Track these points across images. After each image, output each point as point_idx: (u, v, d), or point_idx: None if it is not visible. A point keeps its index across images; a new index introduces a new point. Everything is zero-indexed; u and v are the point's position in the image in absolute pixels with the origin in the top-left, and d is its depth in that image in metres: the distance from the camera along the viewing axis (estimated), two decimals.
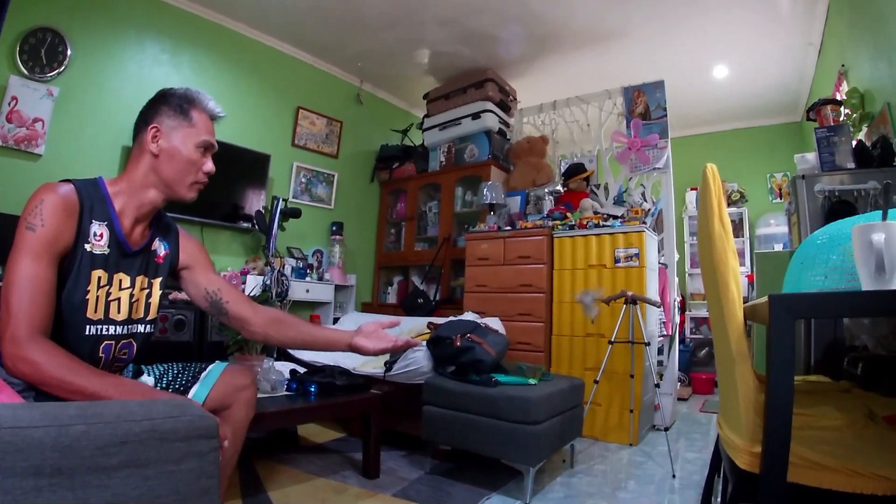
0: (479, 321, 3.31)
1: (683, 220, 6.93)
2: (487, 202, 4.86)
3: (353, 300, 5.89)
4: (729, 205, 6.47)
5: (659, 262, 4.37)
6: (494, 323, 3.62)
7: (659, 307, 3.92)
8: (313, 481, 2.76)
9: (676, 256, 4.74)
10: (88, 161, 4.04)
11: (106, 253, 1.48)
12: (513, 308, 4.25)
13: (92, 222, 1.45)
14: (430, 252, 5.75)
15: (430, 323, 3.52)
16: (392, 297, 6.12)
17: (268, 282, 4.26)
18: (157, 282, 1.67)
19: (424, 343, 3.16)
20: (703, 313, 6.69)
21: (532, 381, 2.86)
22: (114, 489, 0.73)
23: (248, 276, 4.39)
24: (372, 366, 3.43)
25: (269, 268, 4.46)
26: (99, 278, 1.47)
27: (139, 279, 1.60)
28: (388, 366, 3.27)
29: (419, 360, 3.14)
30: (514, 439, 2.63)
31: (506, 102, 5.76)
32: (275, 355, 3.51)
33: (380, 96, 6.72)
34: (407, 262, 6.09)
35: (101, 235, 1.46)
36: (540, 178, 5.17)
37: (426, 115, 6.12)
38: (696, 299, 6.86)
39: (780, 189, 6.66)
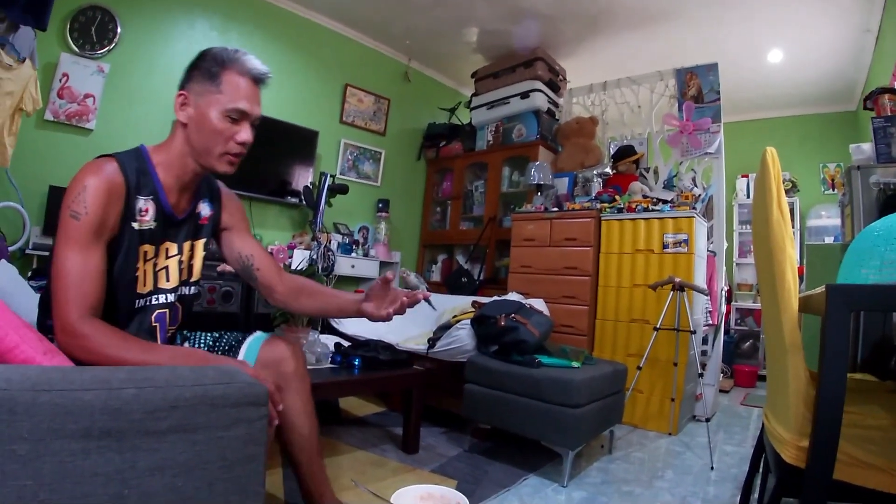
0: (523, 302, 3.30)
1: (733, 207, 6.76)
2: (534, 183, 4.81)
3: (397, 277, 5.89)
4: None
5: (707, 250, 4.28)
6: (539, 304, 3.60)
7: (706, 295, 3.84)
8: (353, 453, 2.79)
9: (725, 245, 4.63)
10: (138, 136, 4.03)
11: (152, 227, 1.45)
12: (557, 290, 4.22)
13: (137, 199, 1.40)
14: (475, 231, 5.73)
15: (474, 302, 3.51)
16: (436, 276, 6.14)
17: (314, 256, 4.31)
18: (201, 243, 1.66)
19: (469, 321, 3.16)
20: (750, 304, 6.57)
21: (575, 364, 2.83)
22: (162, 453, 0.75)
23: (295, 251, 4.45)
24: (415, 342, 3.45)
25: (315, 242, 4.51)
26: (145, 252, 1.46)
27: (185, 245, 1.59)
28: (432, 343, 3.28)
29: (462, 338, 3.15)
30: (554, 421, 2.62)
31: (555, 82, 5.67)
32: (319, 328, 3.55)
33: (427, 74, 6.69)
34: (452, 241, 6.10)
35: (147, 210, 1.43)
36: (588, 160, 5.08)
37: (474, 94, 6.06)
38: (742, 290, 6.70)
39: (832, 180, 6.43)
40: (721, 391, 4.97)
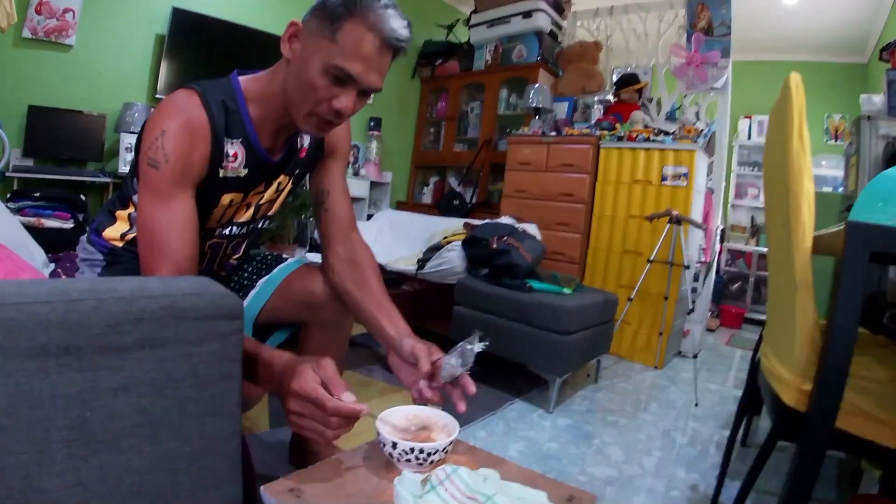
0: (516, 226, 3.22)
1: (734, 148, 6.63)
2: (533, 105, 4.65)
3: (388, 198, 5.84)
4: None
5: (706, 187, 4.20)
6: (532, 229, 3.52)
7: (703, 230, 3.78)
8: None
9: (724, 183, 4.54)
10: (121, 51, 3.92)
11: (241, 175, 1.26)
12: (551, 217, 4.14)
13: (225, 141, 1.20)
14: (469, 154, 5.59)
15: (466, 223, 3.43)
16: (427, 198, 6.04)
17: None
18: (293, 177, 1.43)
19: (460, 243, 3.08)
20: (742, 246, 6.56)
21: (566, 291, 2.79)
22: (127, 371, 0.67)
23: None
24: (404, 262, 3.38)
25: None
26: (231, 200, 1.29)
27: (275, 183, 1.38)
28: (421, 263, 3.21)
29: (452, 259, 3.08)
30: (543, 347, 2.60)
31: (559, 3, 5.39)
32: (308, 247, 3.47)
33: None
34: (445, 163, 5.97)
35: (236, 156, 1.23)
36: (590, 86, 4.91)
37: (473, 11, 5.79)
38: (736, 231, 6.68)
39: (836, 131, 6.29)
40: (707, 330, 4.98)
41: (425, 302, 3.10)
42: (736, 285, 6.47)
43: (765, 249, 6.23)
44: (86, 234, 1.44)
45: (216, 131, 1.17)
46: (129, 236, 1.36)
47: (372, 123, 5.67)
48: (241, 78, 1.24)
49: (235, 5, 4.47)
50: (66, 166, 3.59)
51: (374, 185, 5.59)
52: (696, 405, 2.98)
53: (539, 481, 0.94)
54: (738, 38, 4.32)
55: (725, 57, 4.21)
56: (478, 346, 1.07)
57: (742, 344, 4.90)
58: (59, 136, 3.57)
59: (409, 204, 6.01)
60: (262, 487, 0.84)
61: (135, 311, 0.68)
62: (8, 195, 3.11)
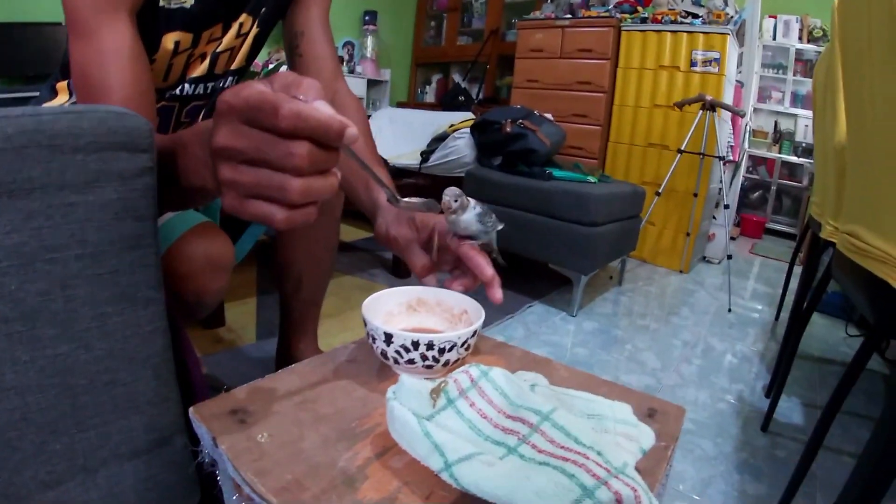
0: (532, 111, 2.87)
1: (757, 49, 6.18)
2: None
3: (387, 97, 5.49)
4: (809, 41, 5.77)
5: (736, 80, 3.81)
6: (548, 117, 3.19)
7: (742, 115, 3.42)
8: (339, 279, 2.53)
9: (756, 72, 4.15)
10: None
11: (186, 6, 0.95)
12: (567, 107, 3.78)
13: None
14: (474, 47, 5.20)
15: (475, 110, 3.09)
16: (430, 97, 5.70)
17: (283, 61, 3.80)
18: (259, 17, 1.12)
19: (468, 129, 2.76)
20: (763, 153, 6.18)
21: (592, 180, 2.47)
22: None
23: (272, 68, 3.94)
24: (407, 158, 3.06)
25: (283, 41, 3.97)
26: (177, 43, 0.98)
27: (235, 24, 1.07)
28: (425, 156, 2.89)
29: (460, 148, 2.77)
30: (567, 241, 2.32)
31: None
32: None
33: None
34: (448, 58, 5.57)
35: None
36: None
37: None
38: (757, 137, 6.28)
39: None
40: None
41: (431, 198, 2.79)
42: (756, 194, 6.16)
43: (789, 157, 5.94)
44: None
45: None
46: (69, 105, 1.01)
47: (367, 17, 5.24)
48: None
49: None
50: (35, 84, 3.22)
51: (371, 83, 5.23)
52: (730, 311, 2.74)
53: (604, 388, 0.64)
54: None
55: None
56: (499, 223, 0.76)
57: (766, 252, 4.65)
58: (25, 53, 3.27)
59: (410, 103, 5.66)
60: (190, 409, 0.54)
61: None
62: None
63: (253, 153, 0.43)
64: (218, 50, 1.07)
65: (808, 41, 5.78)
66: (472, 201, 0.72)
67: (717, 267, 3.59)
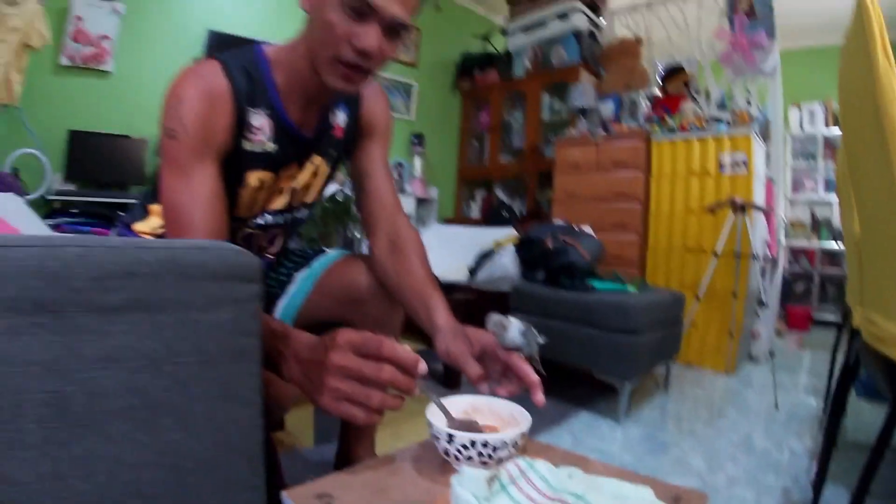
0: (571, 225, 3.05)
1: (786, 140, 6.32)
2: (578, 106, 4.50)
3: (434, 214, 5.73)
4: (835, 124, 5.89)
5: (765, 176, 3.97)
6: (587, 230, 3.36)
7: (769, 213, 3.54)
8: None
9: (784, 169, 4.30)
10: (159, 76, 3.92)
11: (269, 150, 1.14)
12: (605, 219, 3.94)
13: (248, 111, 1.09)
14: (514, 164, 5.47)
15: (518, 228, 3.28)
16: (475, 212, 5.91)
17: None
18: (330, 159, 1.31)
19: (512, 246, 2.94)
20: (803, 244, 6.19)
21: (631, 289, 2.60)
22: (116, 338, 0.53)
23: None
24: (454, 273, 3.23)
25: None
26: (261, 181, 1.17)
27: (309, 165, 1.26)
28: (472, 271, 3.07)
29: (505, 264, 2.93)
30: (610, 350, 2.40)
31: (595, 3, 5.28)
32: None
33: (458, 2, 6.30)
34: (490, 176, 5.83)
35: (261, 128, 1.11)
36: (635, 82, 4.73)
37: (509, 19, 5.70)
38: (796, 228, 6.33)
39: None
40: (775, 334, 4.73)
41: (478, 312, 2.93)
42: (800, 285, 6.13)
43: (829, 245, 5.92)
44: (115, 229, 1.34)
45: (238, 99, 1.06)
46: (161, 231, 1.25)
47: (415, 139, 5.61)
48: (264, 47, 1.15)
49: (270, 25, 4.51)
50: (108, 190, 3.59)
51: (419, 201, 5.50)
52: (777, 408, 2.74)
53: (635, 479, 0.75)
54: (781, 25, 4.11)
55: (771, 38, 4.00)
56: (540, 337, 0.93)
57: (813, 344, 4.59)
58: (100, 161, 3.59)
59: (456, 219, 5.88)
60: (283, 492, 0.68)
61: (125, 263, 0.54)
62: (46, 214, 3.11)
63: (355, 371, 0.71)
64: (295, 186, 1.26)
65: (835, 124, 5.87)
66: (514, 320, 0.90)
67: (763, 365, 3.58)
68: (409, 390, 0.73)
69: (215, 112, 1.03)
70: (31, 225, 1.71)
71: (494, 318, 0.90)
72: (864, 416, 2.59)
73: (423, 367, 0.71)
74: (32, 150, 3.27)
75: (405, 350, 0.71)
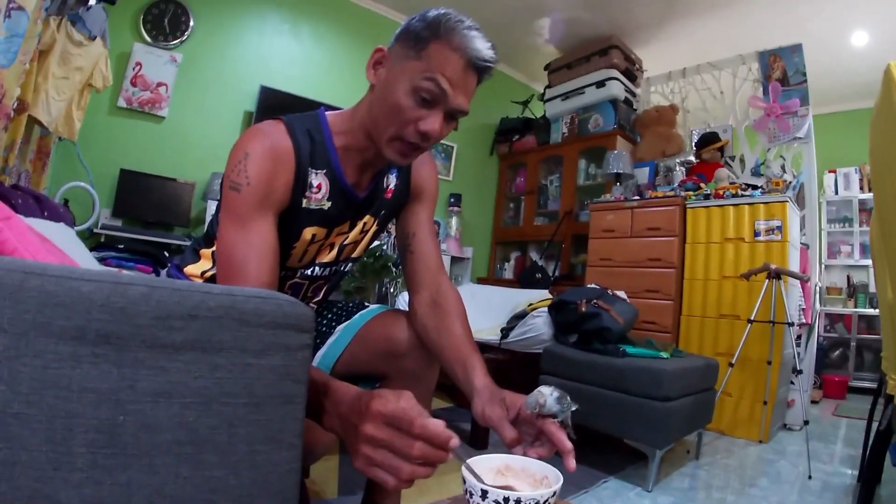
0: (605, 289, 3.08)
1: (821, 205, 6.27)
2: (613, 172, 4.57)
3: (468, 273, 5.80)
4: (870, 190, 5.82)
5: (800, 242, 3.96)
6: (621, 295, 3.38)
7: (806, 280, 3.52)
8: None
9: (819, 235, 4.29)
10: (211, 124, 4.20)
11: (325, 208, 1.21)
12: (639, 284, 3.94)
13: (309, 171, 1.17)
14: (549, 227, 5.52)
15: (552, 290, 3.31)
16: (509, 273, 5.95)
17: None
18: (379, 218, 1.38)
19: (546, 309, 2.96)
20: (840, 309, 6.09)
21: (664, 355, 2.60)
22: (171, 375, 0.58)
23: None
24: (487, 333, 3.26)
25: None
26: (314, 235, 1.24)
27: (360, 223, 1.33)
28: (505, 332, 3.09)
29: (538, 326, 2.94)
30: (641, 416, 2.38)
31: (631, 71, 5.41)
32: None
33: (499, 69, 6.46)
34: (525, 237, 5.90)
35: (320, 187, 1.19)
36: (670, 149, 4.81)
37: (547, 87, 5.86)
38: (832, 294, 6.21)
39: None
40: (810, 402, 4.61)
41: (509, 372, 2.95)
42: (837, 352, 5.97)
43: (866, 311, 5.80)
44: (166, 269, 1.42)
45: (300, 160, 1.14)
46: (209, 273, 1.32)
47: (452, 200, 5.73)
48: (327, 113, 1.24)
49: (318, 84, 4.78)
50: (153, 229, 3.74)
51: (455, 260, 5.58)
52: (810, 478, 2.66)
53: None
54: (813, 90, 4.18)
55: (805, 104, 4.06)
56: (573, 405, 0.94)
57: (850, 412, 4.45)
58: (147, 200, 3.76)
59: (489, 279, 5.96)
60: None
61: (189, 305, 0.59)
62: (92, 247, 3.25)
63: (387, 443, 0.73)
64: (345, 242, 1.33)
65: (870, 190, 5.75)
66: (550, 388, 0.92)
67: (798, 434, 3.48)
68: (441, 462, 0.75)
69: (278, 170, 1.10)
70: (81, 256, 1.79)
71: (539, 390, 0.94)
72: None
73: (455, 442, 0.72)
74: (84, 184, 3.44)
75: (437, 426, 0.72)
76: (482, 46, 1.07)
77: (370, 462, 0.74)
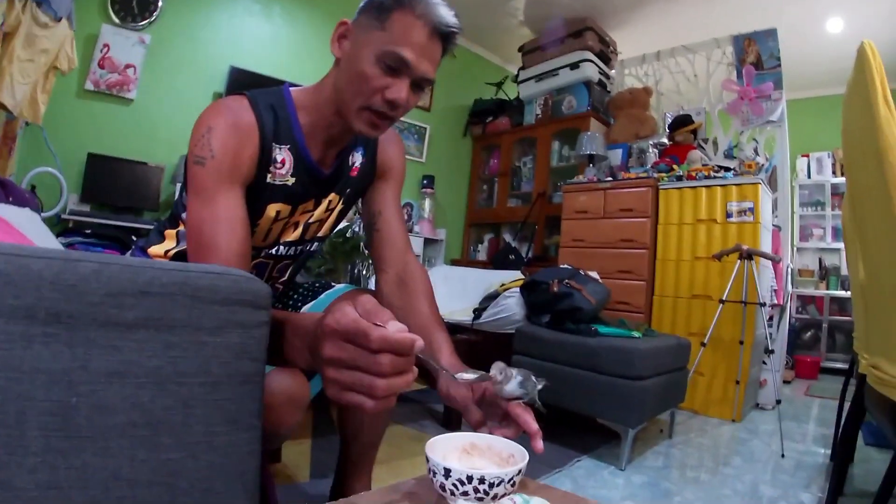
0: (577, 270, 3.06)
1: (794, 189, 6.33)
2: (586, 153, 4.57)
3: (442, 255, 5.77)
4: (843, 174, 5.88)
5: (773, 224, 3.99)
6: (593, 276, 3.37)
7: (778, 261, 3.54)
8: (391, 428, 2.60)
9: (791, 217, 4.32)
10: (180, 106, 4.09)
11: (289, 184, 1.20)
12: (612, 265, 3.96)
13: (273, 146, 1.15)
14: (523, 209, 5.51)
15: (524, 270, 3.29)
16: (482, 255, 5.95)
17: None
18: (344, 196, 1.36)
19: (518, 289, 2.94)
20: (812, 291, 6.20)
21: (636, 335, 2.60)
22: (124, 354, 0.55)
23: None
24: (459, 314, 3.24)
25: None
26: (278, 212, 1.23)
27: (325, 201, 1.31)
28: (477, 313, 3.07)
29: (511, 307, 2.93)
30: (614, 395, 2.39)
31: (606, 54, 5.38)
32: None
33: (473, 51, 6.45)
34: (499, 219, 5.90)
35: (283, 162, 1.17)
36: (643, 131, 4.80)
37: (521, 68, 5.82)
38: (804, 276, 6.32)
39: None
40: (782, 382, 4.67)
41: (482, 353, 2.93)
42: (808, 333, 6.10)
43: (837, 293, 5.91)
44: (130, 251, 1.38)
45: (264, 134, 1.13)
46: (173, 251, 1.29)
47: (425, 181, 5.69)
48: (291, 88, 1.22)
49: (289, 65, 4.68)
50: (122, 214, 3.66)
51: (427, 242, 5.54)
52: (783, 456, 2.70)
53: None
54: (787, 75, 4.19)
55: (779, 88, 4.08)
56: (540, 383, 0.92)
57: (822, 392, 4.55)
58: (116, 185, 3.67)
59: (463, 261, 5.93)
60: None
61: (141, 281, 0.56)
62: (60, 232, 3.18)
63: (351, 362, 0.65)
64: (310, 221, 1.30)
65: (842, 174, 5.87)
66: (514, 371, 0.89)
67: (770, 413, 3.54)
68: (410, 370, 0.67)
69: (242, 144, 1.09)
70: (46, 241, 1.73)
71: (496, 366, 0.90)
72: (873, 464, 2.55)
73: (419, 344, 0.65)
74: (51, 169, 3.35)
75: (396, 334, 0.64)
76: (445, 13, 1.07)
77: (340, 386, 0.66)
